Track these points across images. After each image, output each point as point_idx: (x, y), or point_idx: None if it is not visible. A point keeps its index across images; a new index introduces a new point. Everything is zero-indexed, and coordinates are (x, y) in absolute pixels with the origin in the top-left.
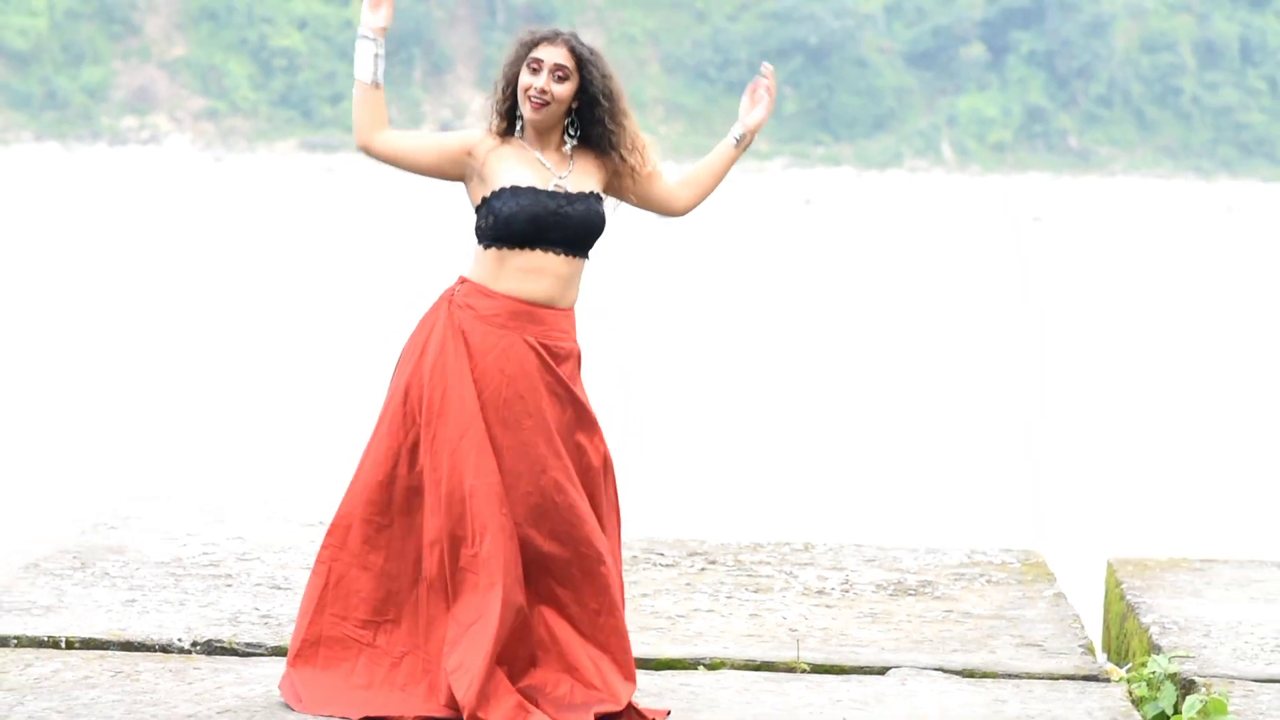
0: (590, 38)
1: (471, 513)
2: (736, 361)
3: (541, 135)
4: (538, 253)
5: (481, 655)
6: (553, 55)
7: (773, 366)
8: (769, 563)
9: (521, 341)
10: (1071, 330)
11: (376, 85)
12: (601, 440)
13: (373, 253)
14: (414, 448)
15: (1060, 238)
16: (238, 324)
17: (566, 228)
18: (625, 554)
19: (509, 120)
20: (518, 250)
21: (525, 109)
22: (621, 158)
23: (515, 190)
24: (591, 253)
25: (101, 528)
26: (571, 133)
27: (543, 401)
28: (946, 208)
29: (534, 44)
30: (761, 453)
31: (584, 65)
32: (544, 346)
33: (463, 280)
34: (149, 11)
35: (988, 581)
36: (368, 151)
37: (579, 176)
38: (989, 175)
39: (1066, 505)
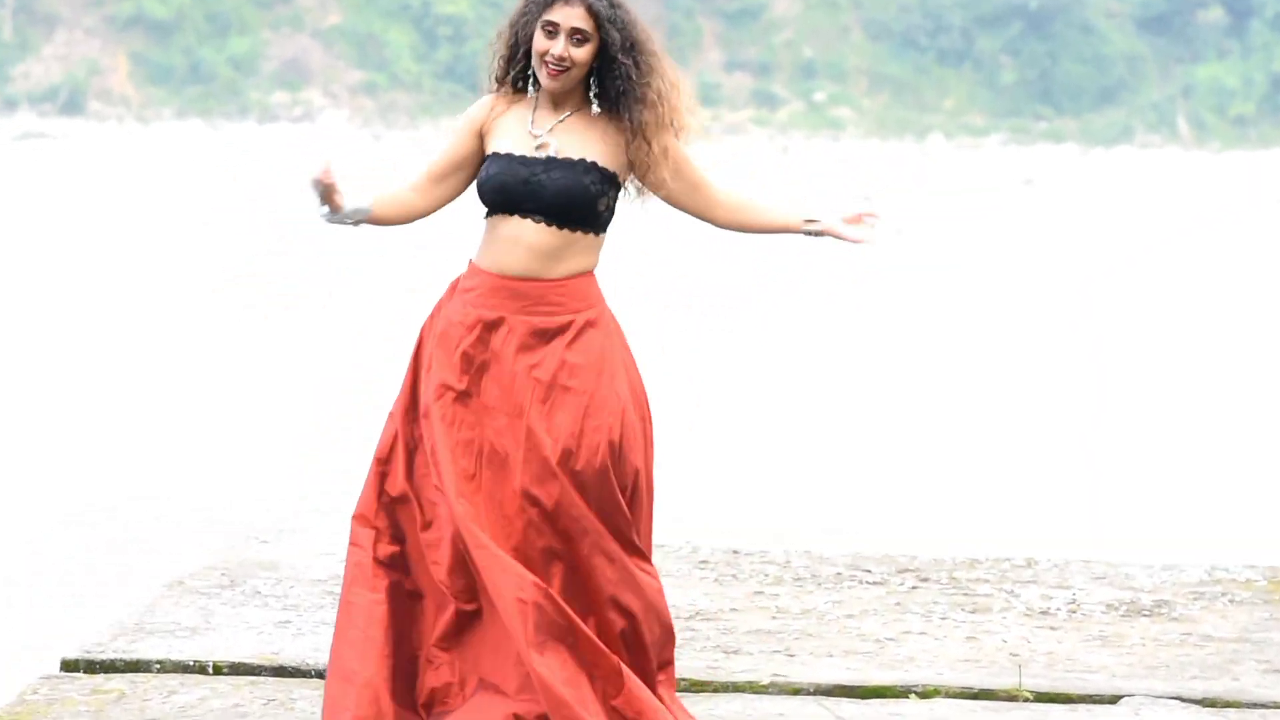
0: (786, 3)
1: None
2: (952, 359)
3: (557, 97)
4: (514, 219)
5: None
6: (570, 18)
7: (993, 365)
8: (987, 580)
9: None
10: None
11: (369, 215)
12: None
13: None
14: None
15: None
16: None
17: (539, 198)
18: (828, 570)
19: (512, 79)
20: (500, 217)
21: (541, 75)
22: (632, 119)
23: (495, 156)
24: (595, 227)
25: (252, 542)
26: (592, 95)
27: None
28: (1183, 187)
29: (548, 4)
30: (982, 461)
31: (603, 24)
32: (522, 323)
33: (469, 264)
34: None
35: (1230, 601)
36: (426, 212)
37: (572, 138)
38: (1229, 152)
39: None
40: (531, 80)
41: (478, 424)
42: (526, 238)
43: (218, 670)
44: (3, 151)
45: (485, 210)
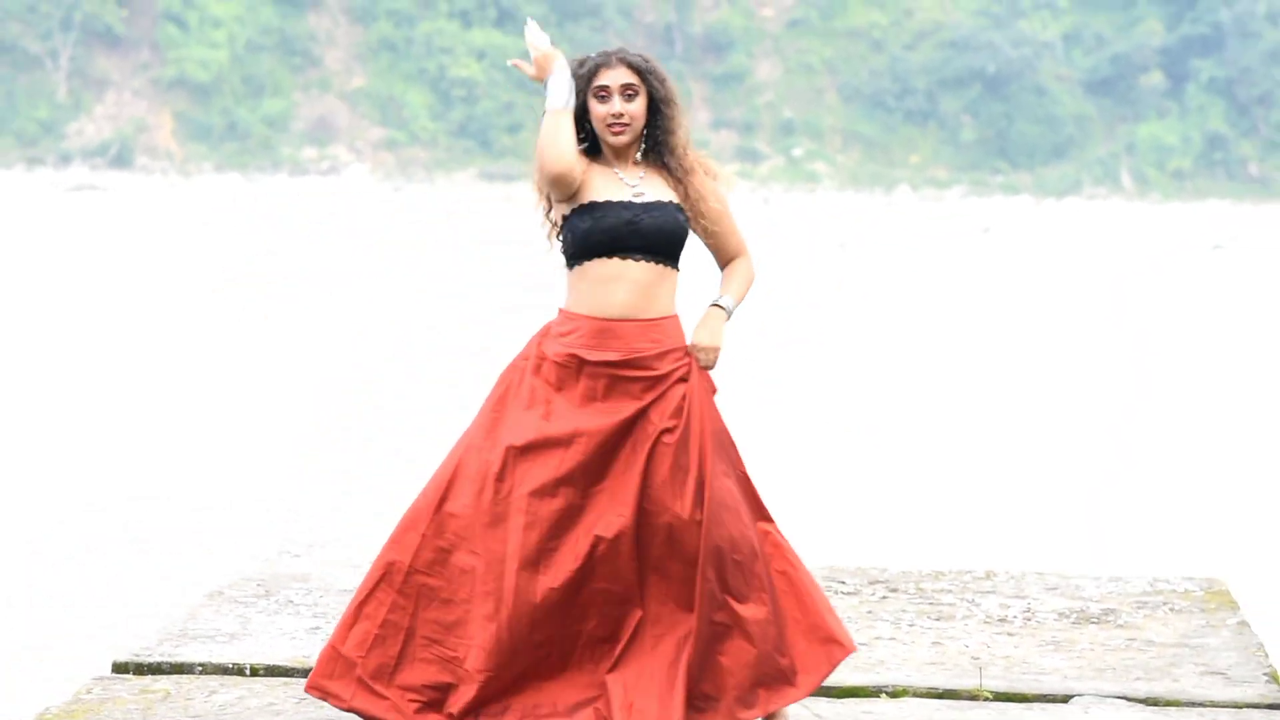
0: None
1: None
2: (917, 388)
3: (619, 153)
4: (615, 260)
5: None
6: (617, 77)
7: (954, 393)
8: (951, 590)
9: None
10: (1253, 357)
11: (569, 109)
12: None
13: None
14: None
15: (1241, 265)
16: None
17: (643, 235)
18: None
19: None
20: (598, 261)
21: (607, 137)
22: (677, 163)
23: (592, 205)
24: (679, 262)
25: (285, 555)
26: (647, 143)
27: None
28: (1126, 235)
29: (593, 73)
30: (943, 480)
31: (646, 76)
32: (623, 364)
33: (559, 312)
34: (328, 43)
35: (1171, 610)
36: (568, 175)
37: (654, 187)
38: (1169, 203)
39: (1251, 533)
40: (586, 147)
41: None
42: (630, 275)
43: (254, 672)
44: (59, 201)
45: (573, 259)
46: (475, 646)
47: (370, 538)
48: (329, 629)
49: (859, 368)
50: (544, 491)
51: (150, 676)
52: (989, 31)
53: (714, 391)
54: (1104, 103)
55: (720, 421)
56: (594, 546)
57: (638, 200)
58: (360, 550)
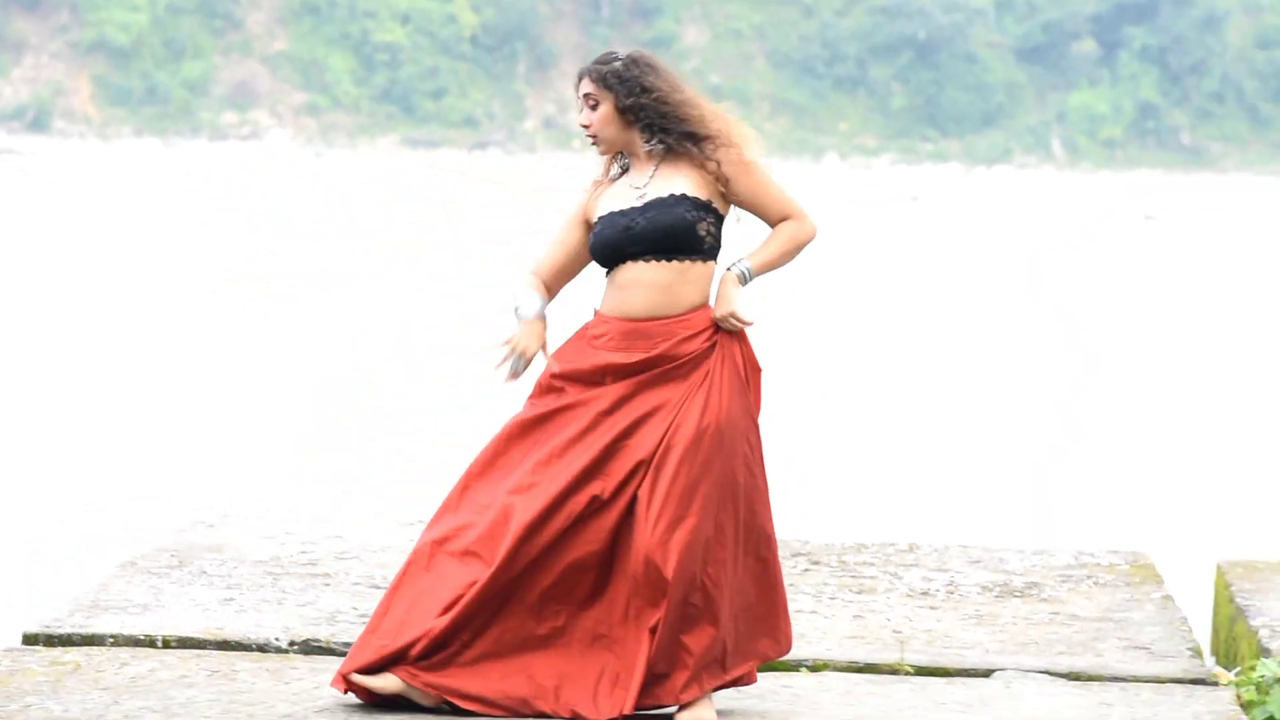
0: (695, 32)
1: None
2: (840, 359)
3: (633, 157)
4: (628, 265)
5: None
6: (582, 88)
7: (877, 365)
8: (873, 564)
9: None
10: (1183, 329)
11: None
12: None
13: (473, 247)
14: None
15: (1173, 235)
16: (336, 321)
17: (643, 239)
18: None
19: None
20: (618, 268)
21: (592, 148)
22: (700, 150)
23: (600, 219)
24: (706, 250)
25: (199, 526)
26: (647, 139)
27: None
28: (1056, 205)
29: (576, 88)
30: (866, 452)
31: (606, 83)
32: (651, 362)
33: (595, 313)
34: (250, 6)
35: (1094, 583)
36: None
37: (663, 181)
38: (1100, 172)
39: (1175, 507)
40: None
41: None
42: (646, 278)
43: (166, 644)
44: None
45: (605, 270)
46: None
47: (283, 508)
48: (242, 600)
49: (781, 337)
50: (551, 457)
51: (61, 648)
52: None
53: (756, 371)
54: (1035, 70)
55: (740, 401)
56: (589, 506)
57: (639, 203)
58: (274, 522)
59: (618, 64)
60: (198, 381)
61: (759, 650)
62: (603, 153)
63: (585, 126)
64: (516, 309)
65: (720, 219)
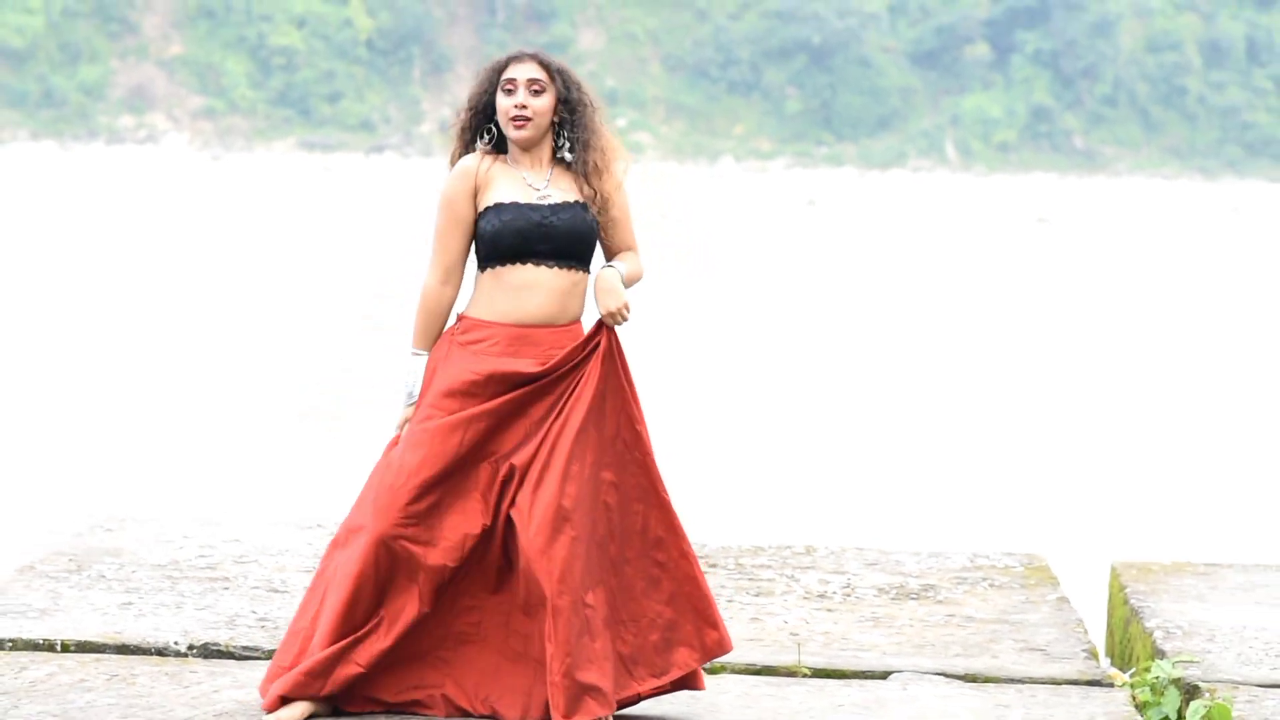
0: (590, 36)
1: None
2: (736, 364)
3: (528, 153)
4: (529, 267)
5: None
6: (525, 71)
7: (773, 369)
8: (770, 566)
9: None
10: (1075, 333)
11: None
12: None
13: (367, 253)
14: None
15: (1065, 238)
16: (232, 326)
17: (553, 239)
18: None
19: (470, 143)
20: (509, 266)
21: (509, 131)
22: (587, 165)
23: (499, 207)
24: (590, 265)
25: (97, 530)
26: (559, 143)
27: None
28: (951, 208)
29: (503, 67)
30: (762, 455)
31: (555, 75)
32: (540, 376)
33: (460, 318)
34: (146, 10)
35: (990, 585)
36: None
37: (561, 188)
38: (993, 175)
39: (1070, 509)
40: (491, 144)
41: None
42: (544, 282)
43: (65, 648)
44: None
45: (484, 262)
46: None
47: (181, 512)
48: (141, 604)
49: (679, 341)
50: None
51: None
52: (813, 2)
53: (625, 372)
54: (929, 74)
55: (624, 409)
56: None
57: (544, 202)
58: (172, 525)
59: (566, 68)
60: (94, 385)
61: (678, 660)
62: (521, 143)
63: (521, 108)
64: (410, 393)
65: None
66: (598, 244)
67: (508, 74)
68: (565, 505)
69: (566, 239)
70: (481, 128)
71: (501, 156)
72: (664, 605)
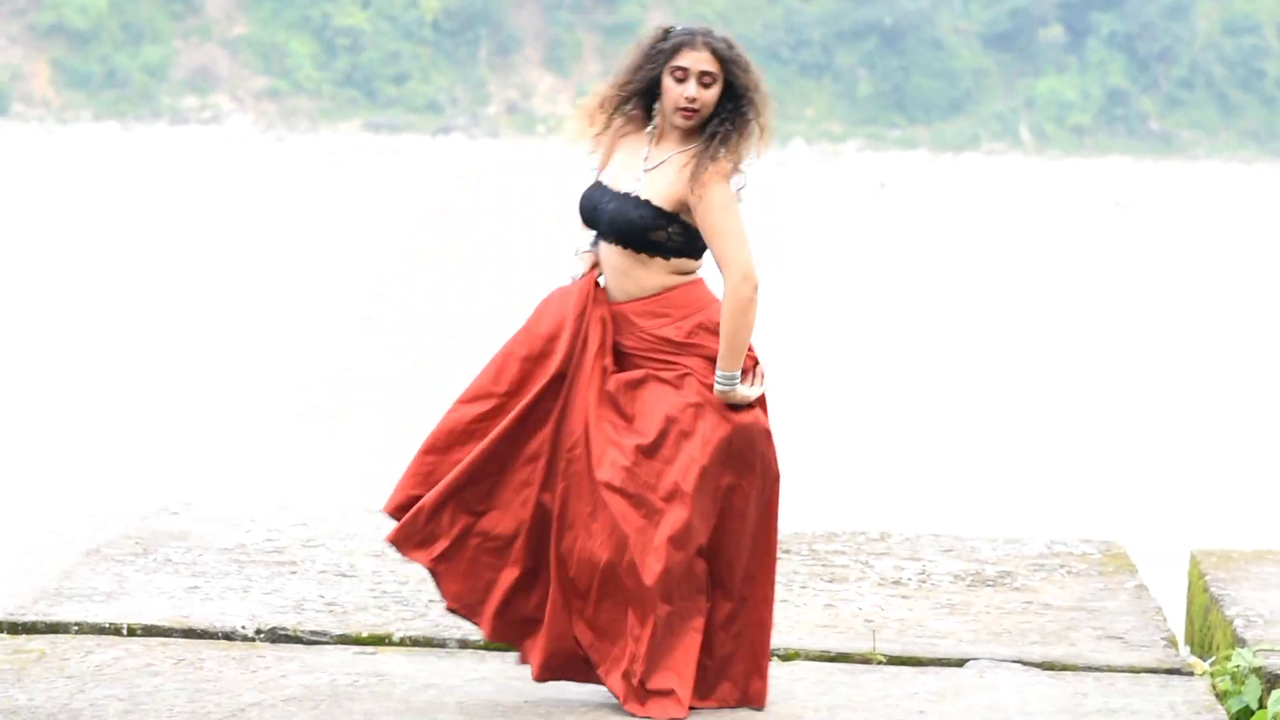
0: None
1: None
2: (810, 347)
3: (670, 133)
4: (602, 242)
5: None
6: (699, 61)
7: (847, 353)
8: (844, 552)
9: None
10: (1153, 318)
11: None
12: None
13: (435, 235)
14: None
15: (1142, 223)
16: (299, 309)
17: (602, 223)
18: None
19: (614, 114)
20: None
21: (675, 119)
22: (699, 156)
23: (597, 181)
24: (659, 252)
25: (164, 513)
26: (711, 129)
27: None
28: (1024, 192)
29: (675, 50)
30: (837, 440)
31: (727, 64)
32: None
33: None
34: None
35: (1068, 573)
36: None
37: (658, 176)
38: (1068, 159)
39: (1149, 495)
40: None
41: None
42: (607, 258)
43: (131, 632)
44: None
45: None
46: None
47: (249, 495)
48: (207, 588)
49: (762, 326)
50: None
51: (25, 636)
52: None
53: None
54: (1002, 57)
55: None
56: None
57: (624, 188)
58: (239, 509)
59: (736, 48)
60: (162, 367)
61: (720, 693)
62: (684, 128)
63: (691, 101)
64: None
65: (688, 228)
66: (666, 236)
67: (679, 60)
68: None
69: (611, 227)
70: (632, 102)
71: (638, 127)
72: (731, 639)
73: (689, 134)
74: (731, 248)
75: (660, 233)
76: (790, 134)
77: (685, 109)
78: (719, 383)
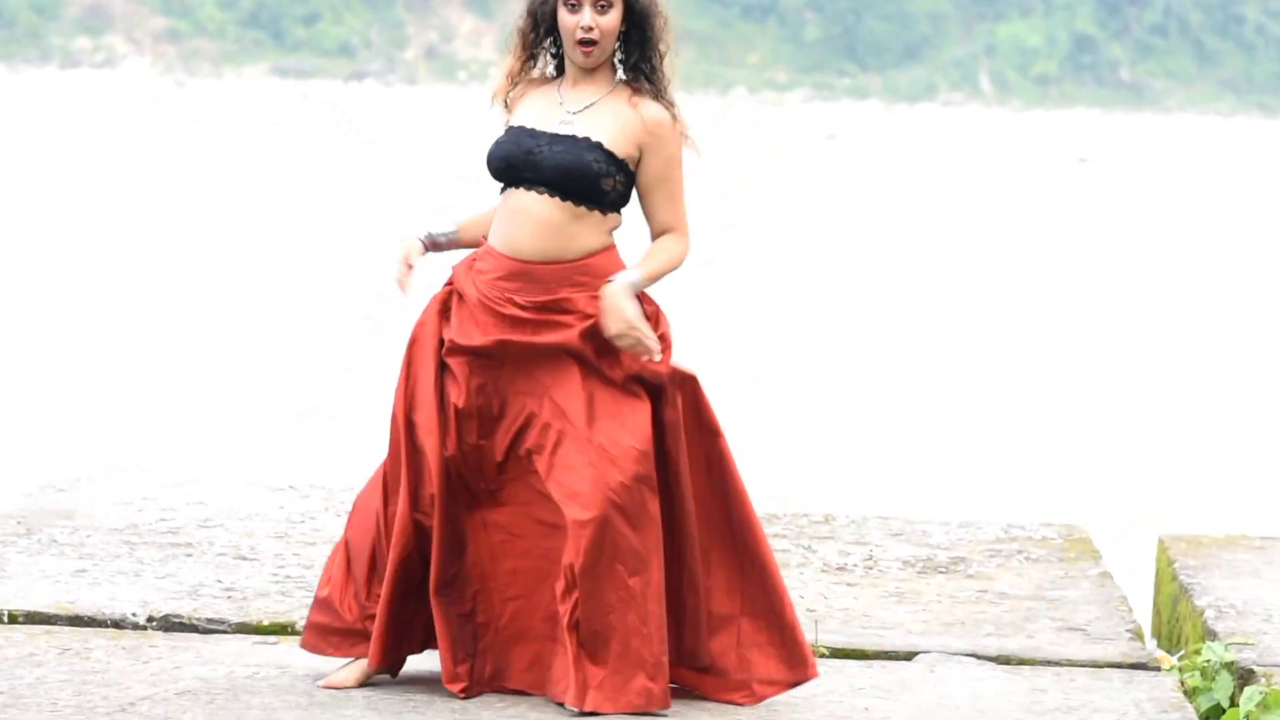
0: None
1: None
2: (749, 314)
3: (588, 77)
4: (520, 191)
5: None
6: None
7: (789, 320)
8: (785, 535)
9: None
10: (1120, 285)
11: (455, 237)
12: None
13: (348, 187)
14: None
15: (1109, 180)
16: (197, 270)
17: (539, 169)
18: None
19: (527, 62)
20: (508, 190)
21: (574, 55)
22: (646, 103)
23: (509, 129)
24: (599, 204)
25: (49, 490)
26: (618, 66)
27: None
28: (984, 146)
29: None
30: (777, 414)
31: None
32: (551, 306)
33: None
34: None
35: (1026, 559)
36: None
37: (593, 117)
38: (1031, 110)
39: (1114, 476)
40: (555, 64)
41: None
42: (534, 210)
43: (13, 619)
44: None
45: (500, 186)
46: None
47: (141, 471)
48: (95, 571)
49: (696, 292)
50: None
51: None
52: None
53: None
54: (962, 0)
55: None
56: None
57: (558, 130)
58: (131, 486)
59: None
60: (45, 335)
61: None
62: (589, 66)
63: (588, 30)
64: (429, 233)
65: (631, 178)
66: (612, 185)
67: None
68: None
69: (554, 174)
70: (541, 43)
71: (552, 81)
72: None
73: (602, 73)
74: (680, 204)
75: (609, 180)
76: (732, 81)
77: (583, 40)
78: (631, 283)
